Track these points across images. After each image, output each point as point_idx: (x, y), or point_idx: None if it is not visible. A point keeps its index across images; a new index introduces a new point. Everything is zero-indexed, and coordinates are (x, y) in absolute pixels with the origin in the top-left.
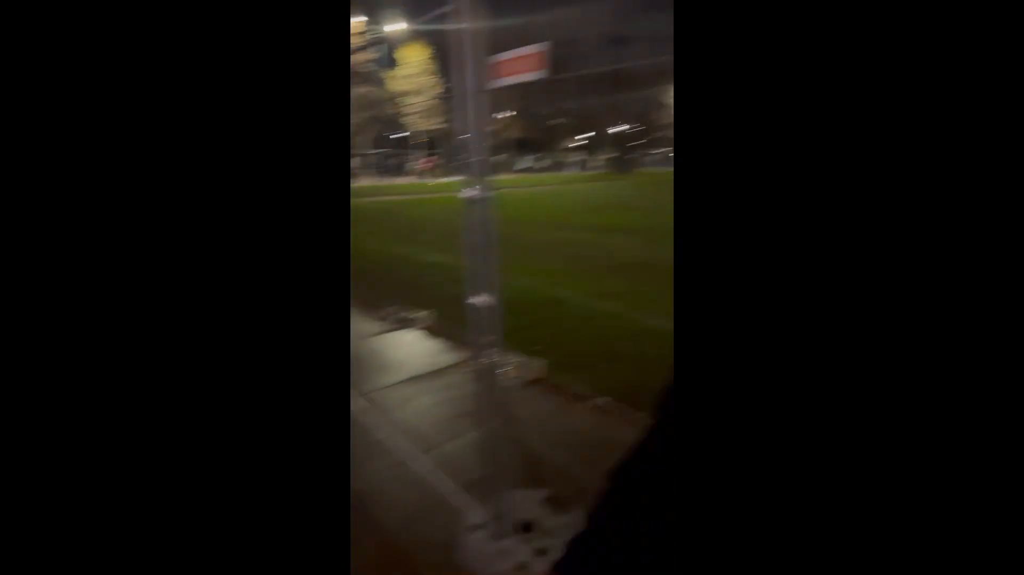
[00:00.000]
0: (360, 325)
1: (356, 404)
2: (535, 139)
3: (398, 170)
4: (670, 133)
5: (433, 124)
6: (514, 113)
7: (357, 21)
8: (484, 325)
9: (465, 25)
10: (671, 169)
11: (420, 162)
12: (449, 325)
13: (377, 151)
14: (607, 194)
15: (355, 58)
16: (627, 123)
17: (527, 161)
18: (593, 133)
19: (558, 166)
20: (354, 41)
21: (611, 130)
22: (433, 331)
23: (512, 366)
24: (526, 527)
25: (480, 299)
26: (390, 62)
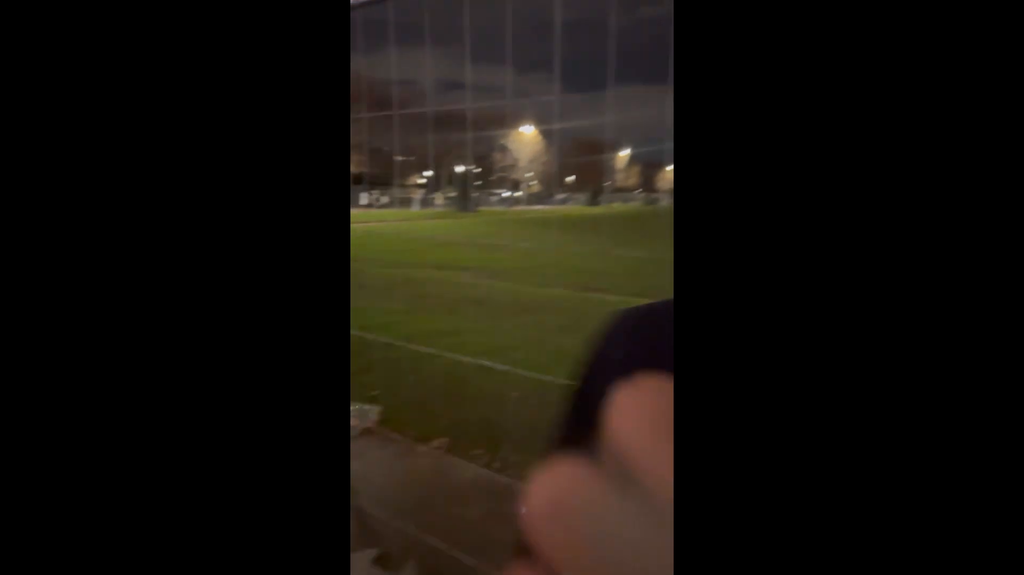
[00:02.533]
0: None
1: None
2: (377, 175)
3: None
4: (511, 174)
5: None
6: (353, 148)
7: None
8: None
9: None
10: (511, 208)
11: None
12: None
13: None
14: (450, 232)
15: None
16: (469, 163)
17: (367, 198)
18: (433, 172)
19: (402, 202)
20: None
21: (454, 169)
22: None
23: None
24: None
25: None
26: None
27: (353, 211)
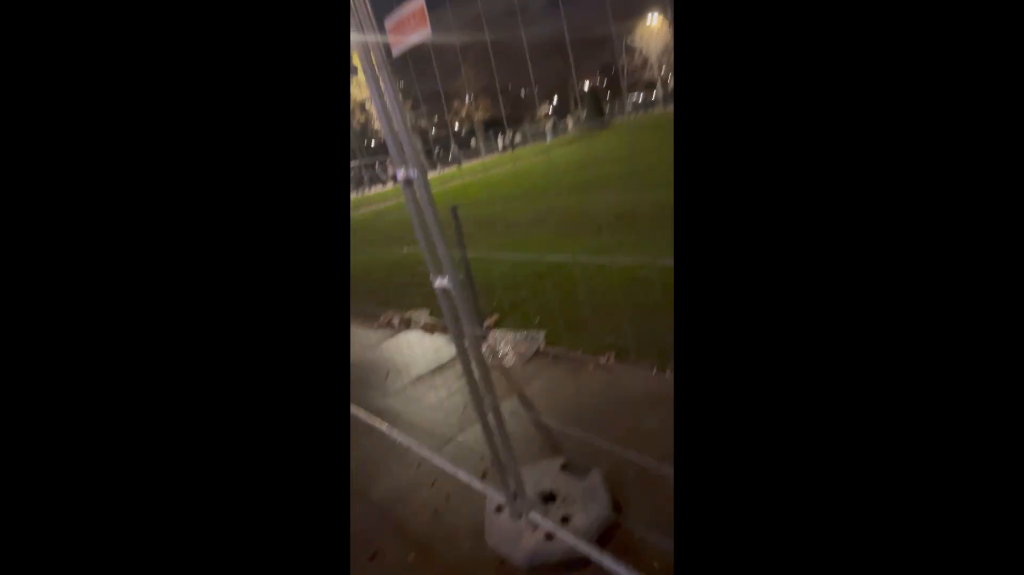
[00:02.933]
0: (363, 337)
1: (368, 415)
2: (506, 115)
3: (374, 180)
4: (643, 76)
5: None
6: (475, 95)
7: None
8: (454, 307)
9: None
10: (646, 113)
11: (389, 167)
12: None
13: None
14: (587, 154)
15: None
16: (593, 77)
17: (501, 141)
18: (559, 97)
19: (535, 137)
20: None
21: (579, 88)
22: (431, 328)
23: (512, 345)
24: (547, 498)
25: (441, 282)
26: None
27: (479, 160)
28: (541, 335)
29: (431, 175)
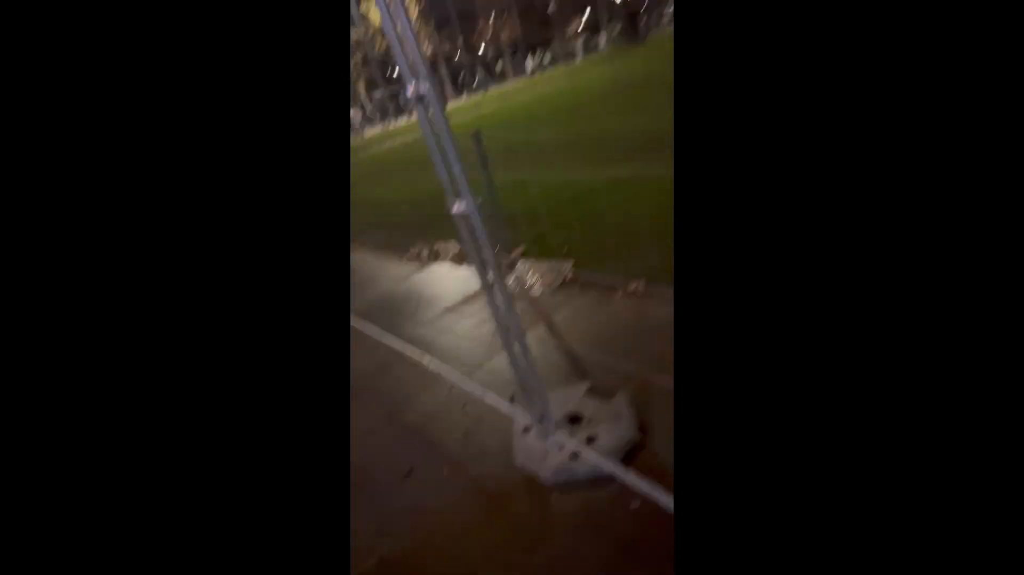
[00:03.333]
0: (394, 270)
1: (402, 343)
2: (534, 35)
3: (400, 110)
4: None
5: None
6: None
7: None
8: (473, 234)
9: None
10: None
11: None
12: None
13: (375, 96)
14: (620, 73)
15: None
16: None
17: (530, 63)
18: (590, 12)
19: (566, 57)
20: None
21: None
22: (459, 259)
23: (540, 274)
24: (573, 420)
25: (459, 207)
26: None
27: (506, 85)
28: (569, 264)
29: (456, 103)
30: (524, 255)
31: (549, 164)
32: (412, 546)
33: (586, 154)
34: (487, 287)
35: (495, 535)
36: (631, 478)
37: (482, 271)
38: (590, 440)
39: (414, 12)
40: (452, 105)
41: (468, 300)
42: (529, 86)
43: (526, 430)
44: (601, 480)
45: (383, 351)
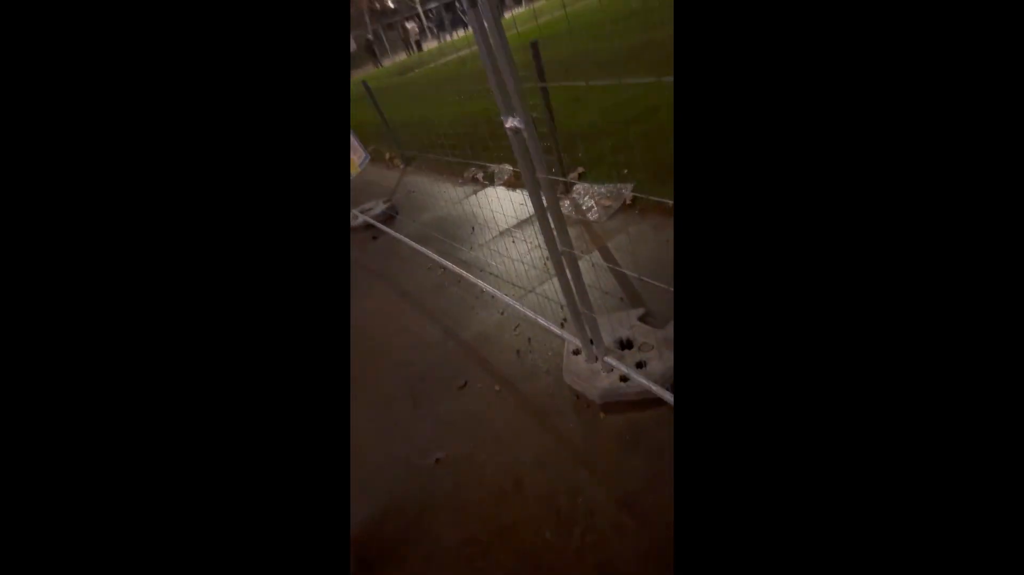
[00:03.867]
0: (449, 192)
1: (457, 263)
2: None
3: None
4: None
5: None
6: None
7: None
8: (526, 150)
9: None
10: None
11: (412, 29)
12: None
13: (430, 7)
14: None
15: None
16: None
17: None
18: None
19: None
20: None
21: None
22: (513, 183)
23: (597, 198)
24: (625, 344)
25: (512, 122)
26: None
27: None
28: (629, 187)
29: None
30: (581, 177)
31: (613, 76)
32: (464, 451)
33: (653, 66)
34: (536, 204)
35: (543, 445)
36: None
37: (533, 188)
38: (640, 365)
39: None
40: (512, 12)
41: (522, 224)
42: None
43: (576, 352)
44: (649, 402)
45: (439, 272)
